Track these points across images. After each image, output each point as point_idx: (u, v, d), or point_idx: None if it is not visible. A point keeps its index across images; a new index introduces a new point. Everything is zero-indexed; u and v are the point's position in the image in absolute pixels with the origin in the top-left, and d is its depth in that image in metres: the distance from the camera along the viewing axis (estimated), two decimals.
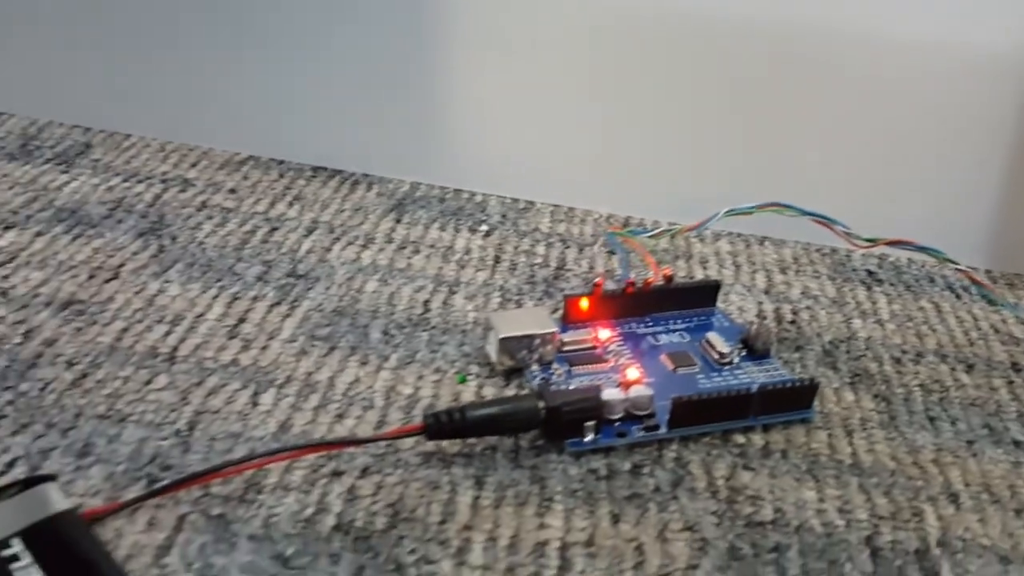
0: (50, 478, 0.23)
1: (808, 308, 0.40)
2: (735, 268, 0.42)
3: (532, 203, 0.46)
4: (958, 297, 0.41)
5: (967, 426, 0.33)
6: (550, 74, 0.45)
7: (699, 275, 0.42)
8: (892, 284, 0.42)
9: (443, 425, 0.29)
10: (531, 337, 0.33)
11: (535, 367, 0.33)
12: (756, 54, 0.44)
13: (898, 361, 0.36)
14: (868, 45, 0.43)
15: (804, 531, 0.28)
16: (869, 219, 0.41)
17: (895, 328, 0.39)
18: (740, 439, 0.31)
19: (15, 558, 0.21)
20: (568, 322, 0.36)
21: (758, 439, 0.32)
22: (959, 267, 0.39)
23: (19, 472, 0.27)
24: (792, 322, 0.38)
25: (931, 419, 0.33)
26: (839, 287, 0.41)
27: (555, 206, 0.46)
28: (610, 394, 0.31)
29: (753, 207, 0.41)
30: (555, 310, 0.37)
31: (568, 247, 0.43)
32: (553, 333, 0.33)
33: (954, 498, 0.30)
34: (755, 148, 0.45)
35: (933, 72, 0.43)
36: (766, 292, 0.41)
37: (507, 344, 0.33)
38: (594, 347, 0.35)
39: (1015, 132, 0.43)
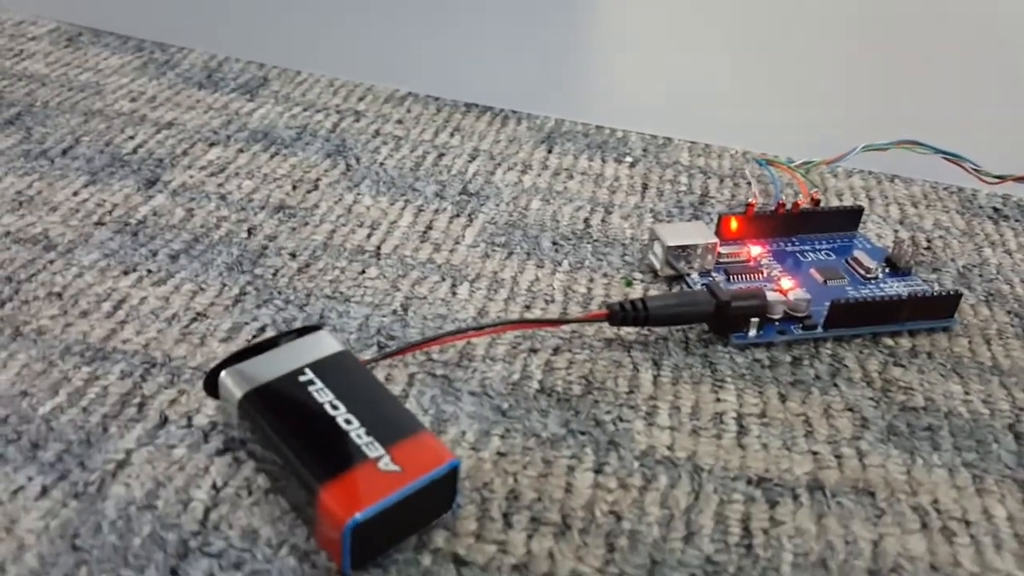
0: (320, 327, 0.27)
1: (941, 237, 0.42)
2: (868, 201, 0.45)
3: (670, 139, 0.49)
4: None
5: None
6: (688, 12, 0.48)
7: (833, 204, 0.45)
8: (1018, 220, 0.44)
9: (626, 313, 0.33)
10: (694, 247, 0.37)
11: (695, 275, 0.37)
12: None
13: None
14: None
15: (953, 416, 0.31)
16: (997, 159, 0.43)
17: (1022, 257, 0.41)
18: (889, 341, 0.35)
19: (311, 382, 0.25)
20: (721, 239, 0.39)
21: (905, 342, 0.35)
22: None
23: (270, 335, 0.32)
24: (928, 248, 0.41)
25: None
26: (968, 221, 0.44)
27: (692, 142, 0.49)
28: (772, 296, 0.34)
29: (889, 144, 0.44)
30: (717, 224, 0.41)
31: (709, 178, 0.46)
32: (714, 244, 0.37)
33: None
34: (890, 86, 0.48)
35: None
36: (900, 222, 0.43)
37: (672, 252, 0.36)
38: (748, 260, 0.38)
39: None
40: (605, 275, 0.37)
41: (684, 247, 0.37)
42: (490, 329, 0.32)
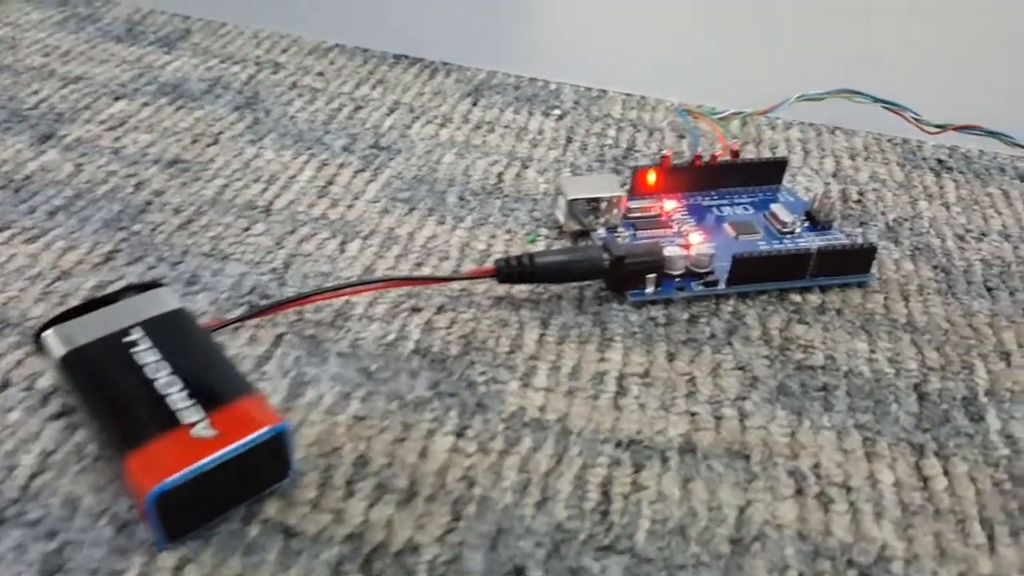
0: (160, 284, 0.26)
1: (875, 190, 0.40)
2: (804, 154, 0.43)
3: (605, 91, 0.47)
4: None
5: None
6: None
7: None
8: (961, 172, 0.42)
9: (512, 269, 0.31)
10: (598, 200, 0.35)
11: (601, 230, 0.35)
12: None
13: (961, 239, 0.37)
14: None
15: (853, 375, 0.30)
16: (940, 108, 0.41)
17: (960, 210, 0.39)
18: (796, 298, 0.33)
19: (134, 344, 0.24)
20: (636, 194, 0.37)
21: (814, 298, 0.33)
22: None
23: None
24: (858, 201, 0.39)
25: (989, 289, 0.34)
26: (907, 173, 0.42)
27: (627, 95, 0.47)
28: (672, 250, 0.33)
29: (825, 93, 0.42)
30: (623, 184, 0.39)
31: (638, 131, 0.44)
32: (620, 197, 0.35)
33: (1006, 356, 0.31)
34: (827, 34, 0.45)
35: None
36: (834, 175, 0.41)
37: (575, 206, 0.35)
38: (659, 215, 0.36)
39: None
40: (509, 231, 0.36)
41: (588, 200, 0.35)
42: (368, 286, 0.31)
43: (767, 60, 0.46)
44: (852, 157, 0.43)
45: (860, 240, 0.36)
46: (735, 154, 0.38)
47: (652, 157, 0.42)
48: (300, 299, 0.29)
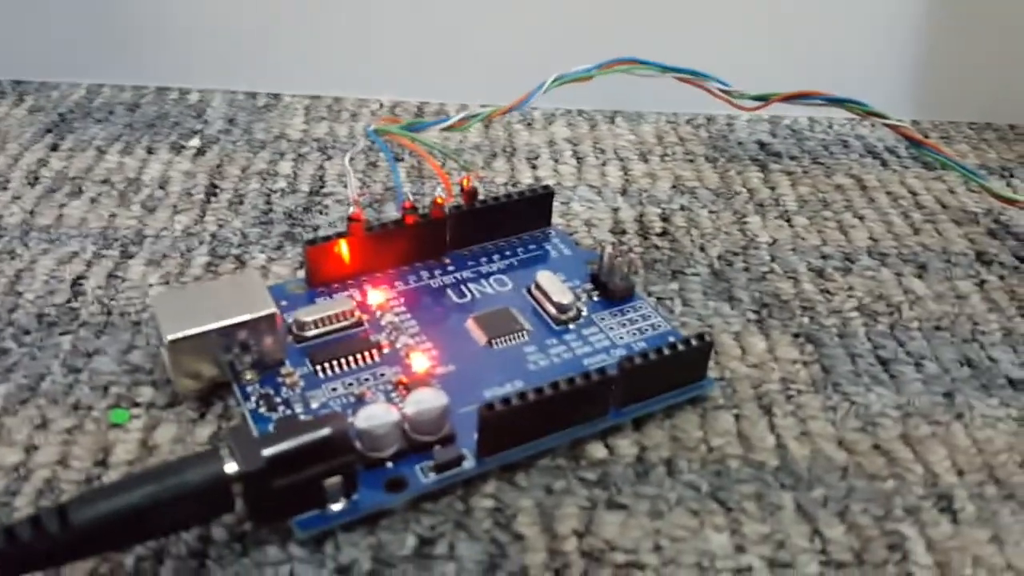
0: None
1: (684, 209, 0.27)
2: (577, 161, 0.29)
3: (278, 96, 0.31)
4: (884, 164, 0.30)
5: (938, 367, 0.22)
6: None
7: (525, 178, 0.28)
8: (794, 157, 0.30)
9: (13, 556, 0.15)
10: (227, 332, 0.19)
11: (248, 377, 0.20)
12: None
13: (820, 273, 0.25)
14: None
15: None
16: (751, 72, 0.28)
17: (808, 222, 0.27)
18: (599, 451, 0.19)
19: None
20: (315, 285, 0.22)
21: (627, 446, 0.19)
22: (887, 121, 0.28)
23: None
24: (663, 233, 0.26)
25: (883, 362, 0.22)
26: (723, 171, 0.29)
27: (313, 97, 0.32)
28: (369, 418, 0.18)
29: (592, 68, 0.28)
30: (299, 266, 0.24)
31: (329, 157, 0.28)
32: (272, 316, 0.20)
33: (947, 505, 0.18)
34: None
35: None
36: (623, 192, 0.28)
37: (184, 350, 0.19)
38: (356, 323, 0.21)
39: None
40: (75, 408, 0.19)
41: (206, 335, 0.19)
42: None
43: (510, 33, 0.32)
44: (644, 156, 0.30)
45: (682, 325, 0.23)
46: (470, 194, 0.24)
47: (346, 204, 0.26)
48: None
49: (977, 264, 0.25)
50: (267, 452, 0.16)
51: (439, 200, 0.23)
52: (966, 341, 0.22)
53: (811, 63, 0.31)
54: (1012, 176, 0.30)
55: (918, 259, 0.25)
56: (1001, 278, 0.25)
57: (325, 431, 0.16)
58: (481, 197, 0.24)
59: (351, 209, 0.22)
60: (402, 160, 0.28)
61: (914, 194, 0.28)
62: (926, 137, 0.32)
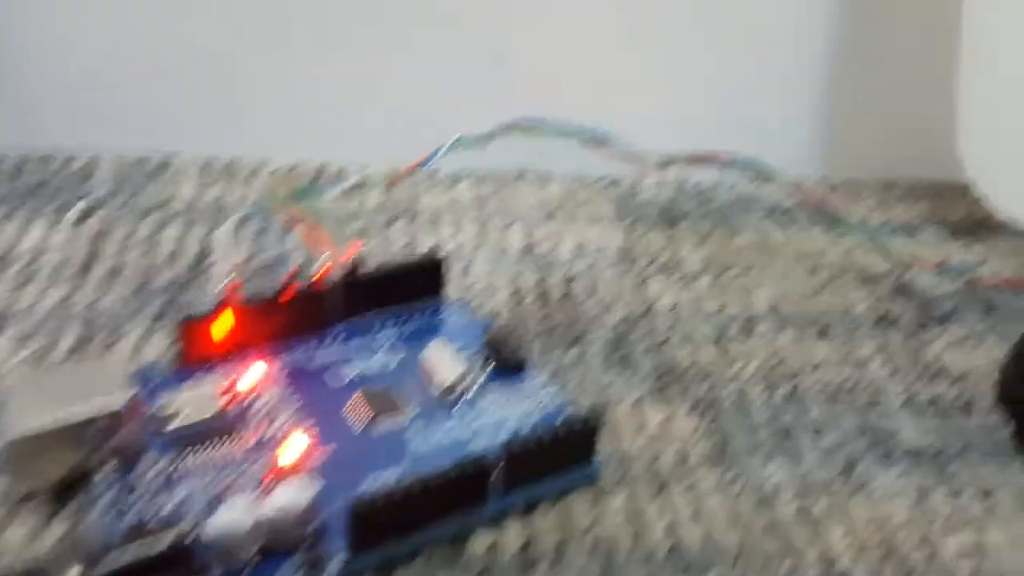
0: None
1: (586, 272, 0.26)
2: (480, 224, 0.28)
3: (170, 159, 0.30)
4: (788, 224, 0.30)
5: (837, 436, 0.21)
6: None
7: (428, 239, 0.28)
8: (699, 219, 0.30)
9: None
10: (76, 427, 0.18)
11: (100, 474, 0.18)
12: None
13: (720, 339, 0.24)
14: None
15: None
16: (658, 131, 0.28)
17: (710, 284, 0.26)
18: (483, 542, 0.18)
19: None
20: (189, 363, 0.21)
21: (513, 535, 0.18)
22: (789, 183, 0.28)
23: None
24: (564, 297, 0.25)
25: (782, 433, 0.21)
26: (628, 232, 0.29)
27: (208, 158, 0.30)
28: (225, 521, 0.16)
29: (493, 131, 0.28)
30: (175, 341, 0.22)
31: (218, 223, 0.27)
32: (133, 404, 0.18)
33: None
34: (497, 49, 0.31)
35: None
36: (525, 255, 0.27)
37: (26, 450, 0.17)
38: (227, 409, 0.20)
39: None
40: None
41: (51, 435, 0.18)
42: None
43: (414, 87, 0.31)
44: (549, 217, 0.29)
45: (578, 413, 0.22)
46: (356, 265, 0.23)
47: (228, 278, 0.25)
48: None
49: (879, 326, 0.25)
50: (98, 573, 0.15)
51: (323, 271, 0.22)
52: (866, 409, 0.22)
53: (717, 123, 0.31)
54: (917, 233, 0.30)
55: (819, 322, 0.25)
56: (903, 340, 0.24)
57: (164, 544, 0.15)
58: (369, 267, 0.23)
59: (227, 282, 0.21)
60: (291, 229, 0.27)
61: (817, 254, 0.28)
62: (833, 191, 0.32)
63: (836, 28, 0.32)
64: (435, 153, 0.28)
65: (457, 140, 0.28)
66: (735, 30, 0.31)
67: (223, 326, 0.21)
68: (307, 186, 0.26)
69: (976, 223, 0.30)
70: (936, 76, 0.30)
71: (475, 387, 0.21)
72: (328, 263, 0.22)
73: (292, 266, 0.22)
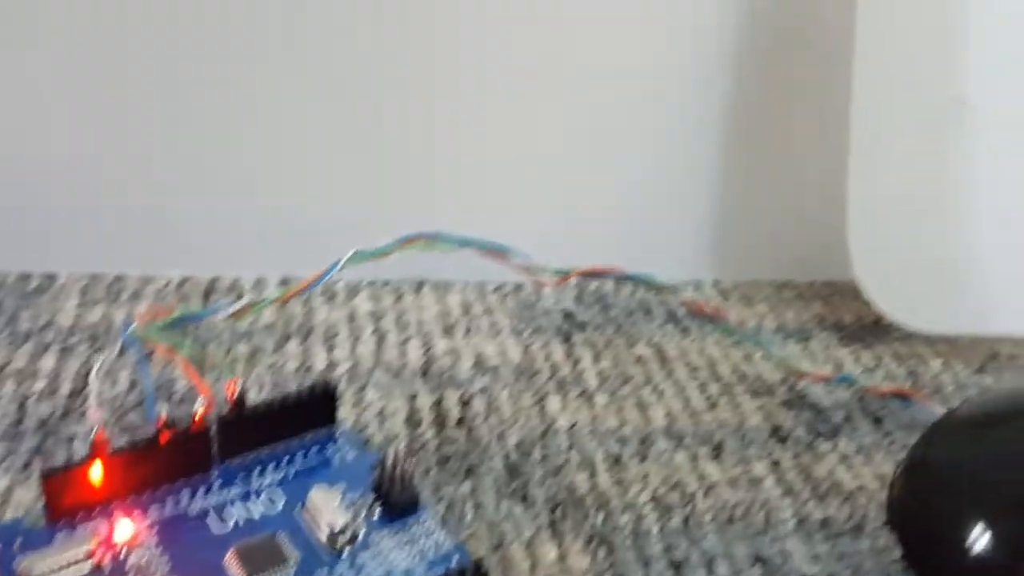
0: None
1: (484, 391, 0.26)
2: (378, 340, 0.28)
3: (53, 277, 0.29)
4: (684, 332, 0.30)
5: (730, 568, 0.21)
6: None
7: (320, 359, 0.27)
8: (598, 327, 0.30)
9: None
10: None
11: None
12: None
13: (617, 461, 0.24)
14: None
15: None
16: (559, 240, 0.28)
17: (608, 401, 0.26)
18: None
19: None
20: (56, 518, 0.20)
21: None
22: (681, 298, 0.28)
23: None
24: (460, 421, 0.25)
25: (675, 566, 0.21)
26: (527, 345, 0.29)
27: (92, 276, 0.29)
28: None
29: (392, 244, 0.28)
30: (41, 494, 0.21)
31: (99, 348, 0.26)
32: None
33: None
34: (392, 161, 0.31)
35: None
36: (423, 374, 0.27)
37: None
38: (100, 565, 0.19)
39: (723, 110, 0.32)
40: None
41: None
42: None
43: (310, 197, 0.31)
44: (448, 331, 0.29)
45: (461, 558, 0.21)
46: (238, 401, 0.22)
47: (117, 421, 0.24)
48: None
49: (772, 441, 0.25)
50: None
51: (204, 410, 0.21)
52: (759, 533, 0.22)
53: (612, 232, 0.31)
54: (809, 339, 0.30)
55: (714, 438, 0.25)
56: (795, 456, 0.25)
57: None
58: (253, 401, 0.22)
59: (98, 428, 0.20)
60: (171, 360, 0.26)
61: (712, 364, 0.28)
62: (726, 298, 0.32)
63: (726, 132, 0.33)
64: (332, 267, 0.27)
65: (355, 253, 0.27)
66: (628, 139, 0.32)
67: (94, 476, 0.20)
68: (191, 308, 0.25)
69: (866, 327, 0.31)
70: (828, 177, 0.31)
71: (362, 532, 0.20)
72: (208, 401, 0.21)
73: (170, 404, 0.21)
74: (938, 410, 0.25)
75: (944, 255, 0.30)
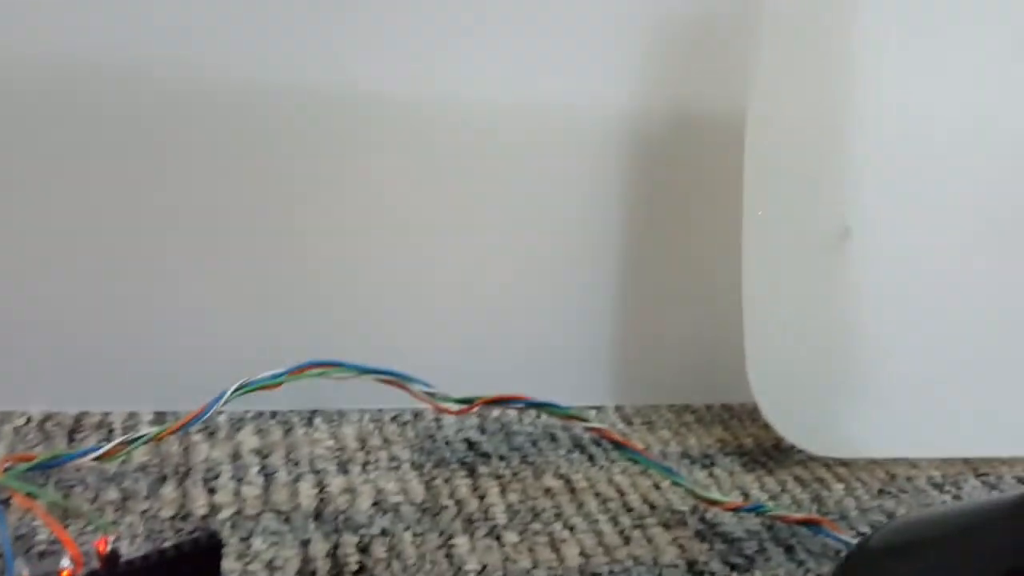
0: None
1: (384, 534, 0.24)
2: (265, 480, 0.26)
3: None
4: (591, 459, 0.29)
5: None
6: None
7: (200, 503, 0.24)
8: (503, 458, 0.28)
9: None
10: None
11: None
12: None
13: None
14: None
15: None
16: (459, 369, 0.27)
17: (518, 539, 0.25)
18: None
19: None
20: None
21: None
22: (587, 425, 0.27)
23: None
24: (360, 571, 0.23)
25: None
26: (429, 480, 0.27)
27: None
28: None
29: (282, 374, 0.26)
30: None
31: None
32: None
33: None
34: (277, 287, 0.30)
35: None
36: (316, 516, 0.24)
37: None
38: None
39: (622, 229, 0.33)
40: None
41: None
42: None
43: (188, 324, 0.29)
44: (343, 467, 0.27)
45: None
46: (108, 560, 0.19)
47: None
48: None
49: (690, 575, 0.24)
50: None
51: (67, 572, 0.18)
52: None
53: (513, 359, 0.31)
54: (713, 464, 0.30)
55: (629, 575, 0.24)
56: None
57: None
58: (125, 558, 0.19)
59: None
60: (31, 511, 0.23)
61: (622, 494, 0.27)
62: (629, 423, 0.32)
63: (623, 260, 0.33)
64: (215, 401, 0.25)
65: (240, 387, 0.25)
66: (530, 267, 0.32)
67: None
68: (55, 451, 0.22)
69: (767, 451, 0.31)
70: (725, 303, 0.32)
71: None
72: (75, 560, 0.18)
73: (29, 559, 0.18)
74: (847, 538, 0.25)
75: (838, 380, 0.30)
